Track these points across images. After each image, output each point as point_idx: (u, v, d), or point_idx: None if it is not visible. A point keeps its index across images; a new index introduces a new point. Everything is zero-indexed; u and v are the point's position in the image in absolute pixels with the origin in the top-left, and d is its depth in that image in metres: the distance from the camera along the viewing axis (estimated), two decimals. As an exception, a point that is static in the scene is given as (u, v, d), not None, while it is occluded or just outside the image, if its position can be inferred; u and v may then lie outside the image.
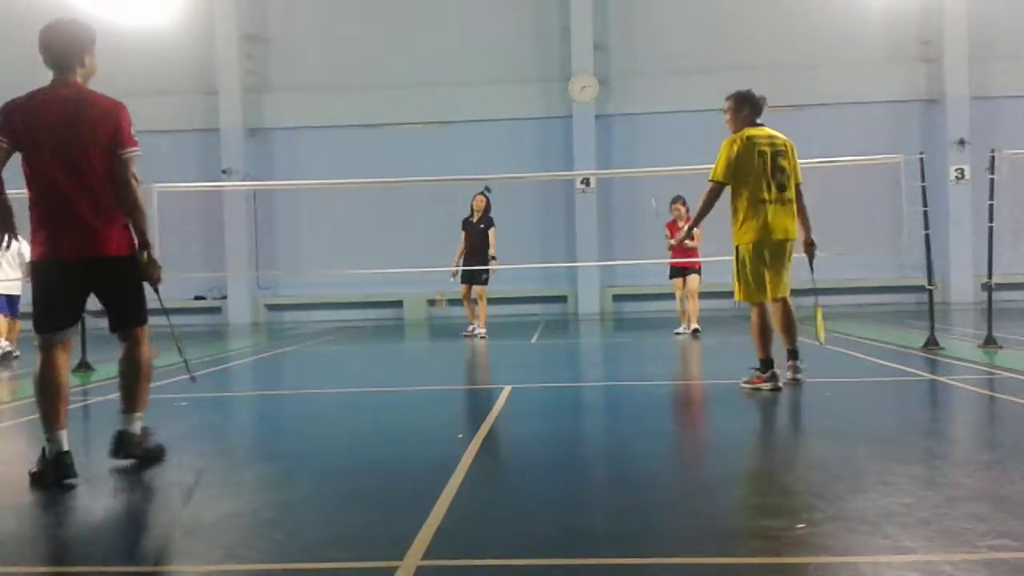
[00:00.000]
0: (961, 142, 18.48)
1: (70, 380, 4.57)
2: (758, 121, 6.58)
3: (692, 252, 11.88)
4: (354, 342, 13.94)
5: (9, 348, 12.03)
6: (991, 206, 9.36)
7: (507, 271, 13.71)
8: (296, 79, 20.12)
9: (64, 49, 4.31)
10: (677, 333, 12.22)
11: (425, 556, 2.97)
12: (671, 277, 12.48)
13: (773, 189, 6.35)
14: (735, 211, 6.47)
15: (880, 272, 18.48)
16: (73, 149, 4.24)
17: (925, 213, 9.55)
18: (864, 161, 11.23)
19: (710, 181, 6.47)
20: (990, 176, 9.41)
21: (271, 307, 20.13)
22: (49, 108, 4.25)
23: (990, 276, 9.41)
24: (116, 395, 4.74)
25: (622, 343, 12.73)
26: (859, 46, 19.12)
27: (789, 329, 6.76)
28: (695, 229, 7.18)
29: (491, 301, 13.76)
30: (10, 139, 4.26)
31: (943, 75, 18.78)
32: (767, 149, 6.39)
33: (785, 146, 6.50)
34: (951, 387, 6.93)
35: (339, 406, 6.88)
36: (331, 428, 5.88)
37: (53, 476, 4.13)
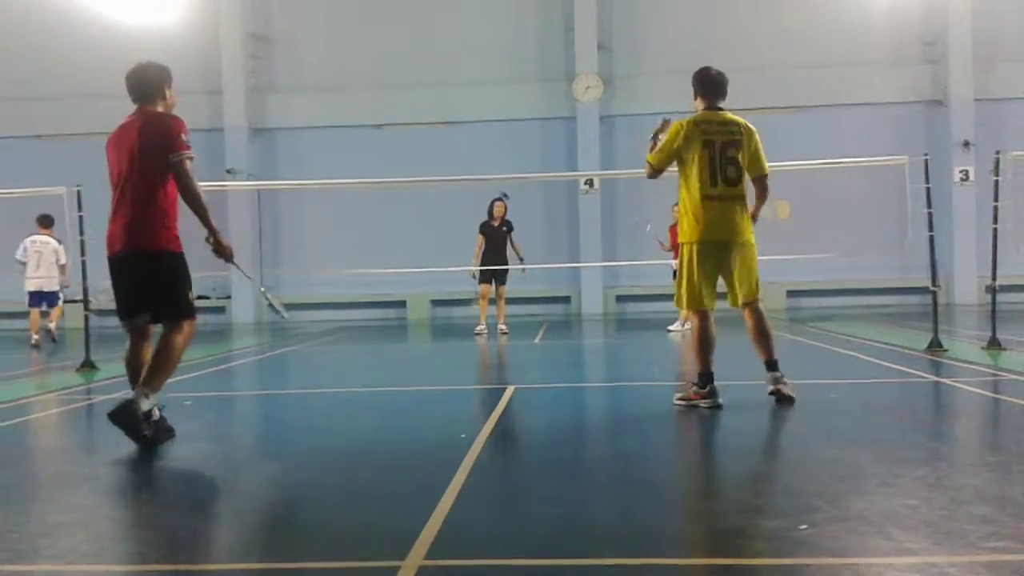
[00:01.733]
0: (965, 144, 18.46)
1: (139, 359, 5.10)
2: (719, 105, 6.01)
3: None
4: (358, 342, 13.95)
5: (37, 337, 13.73)
6: (995, 208, 9.35)
7: (510, 272, 13.75)
8: (300, 79, 20.15)
9: (139, 88, 5.23)
10: (669, 330, 12.82)
11: (428, 556, 2.97)
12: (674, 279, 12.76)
13: (719, 184, 5.73)
14: (680, 204, 5.93)
15: (884, 273, 18.46)
16: (123, 161, 4.99)
17: (929, 215, 9.53)
18: (868, 163, 11.22)
19: (646, 162, 6.02)
20: (994, 178, 9.39)
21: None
22: (120, 130, 5.15)
23: (994, 278, 9.39)
24: (123, 392, 4.82)
25: (624, 344, 12.73)
26: (863, 47, 19.11)
27: (761, 339, 5.98)
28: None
29: (492, 301, 13.79)
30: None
31: (947, 77, 18.76)
32: (717, 139, 5.77)
33: (741, 134, 5.86)
34: (955, 389, 6.92)
35: (342, 405, 6.89)
36: (334, 427, 5.89)
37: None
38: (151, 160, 4.93)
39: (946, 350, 9.00)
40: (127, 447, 4.88)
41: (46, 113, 20.01)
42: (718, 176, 5.76)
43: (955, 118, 18.61)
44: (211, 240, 5.16)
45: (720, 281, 6.04)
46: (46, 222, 13.67)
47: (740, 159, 5.85)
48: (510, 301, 13.55)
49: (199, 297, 20.24)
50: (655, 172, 6.06)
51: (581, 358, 10.94)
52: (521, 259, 13.36)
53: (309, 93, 19.96)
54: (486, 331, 13.24)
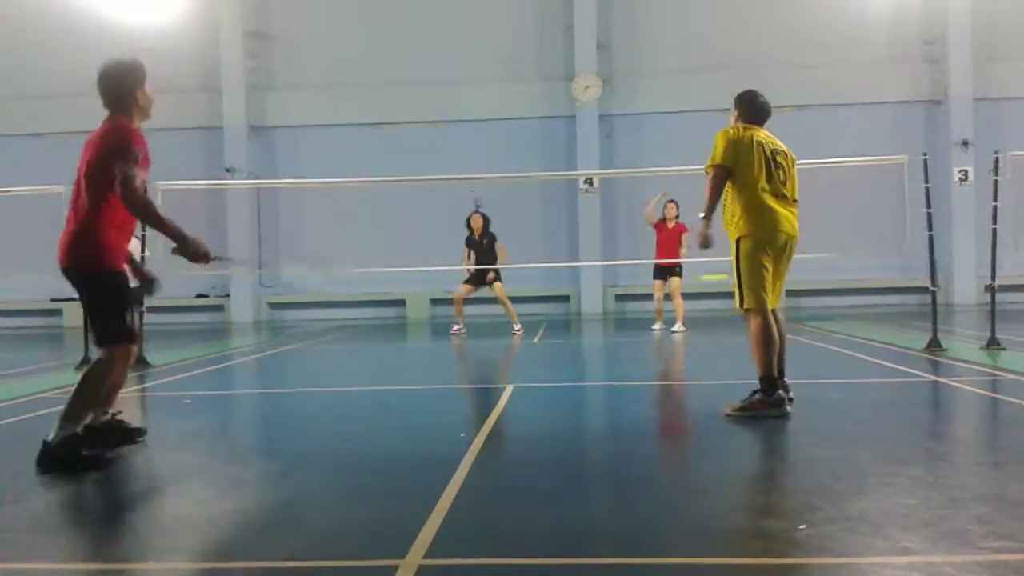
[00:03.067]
0: (964, 143, 18.46)
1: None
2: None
3: (676, 253, 12.66)
4: (356, 340, 13.95)
5: None
6: (995, 208, 9.35)
7: (509, 271, 13.75)
8: (300, 77, 20.14)
9: (103, 95, 4.74)
10: (654, 329, 13.06)
11: (427, 555, 2.98)
12: (655, 278, 13.29)
13: (775, 181, 5.62)
14: (734, 203, 5.67)
15: (883, 273, 18.46)
16: (79, 173, 4.72)
17: (928, 214, 9.54)
18: (867, 162, 11.22)
19: (709, 168, 5.63)
20: (994, 178, 9.40)
21: (274, 305, 20.14)
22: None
23: (993, 278, 9.40)
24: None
25: (624, 343, 12.73)
26: (863, 46, 19.11)
27: (782, 344, 5.78)
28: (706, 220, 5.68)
29: (491, 301, 13.79)
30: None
31: (947, 76, 18.76)
32: (765, 141, 5.68)
33: (786, 153, 5.81)
34: (953, 388, 6.93)
35: (341, 404, 6.88)
36: (334, 426, 5.89)
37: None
38: (96, 174, 4.59)
39: (945, 350, 9.00)
40: (123, 445, 4.88)
41: (45, 111, 20.00)
42: (772, 175, 5.63)
43: (954, 118, 18.61)
44: (178, 250, 4.60)
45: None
46: None
47: (786, 168, 5.75)
48: (511, 300, 13.47)
49: (198, 296, 20.21)
50: (724, 171, 5.59)
51: (580, 357, 10.94)
52: (495, 264, 13.21)
53: (308, 91, 19.95)
54: (464, 330, 13.30)
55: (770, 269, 5.63)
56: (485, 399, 7.19)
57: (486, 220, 13.37)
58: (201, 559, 3.11)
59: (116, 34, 19.62)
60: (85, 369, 4.64)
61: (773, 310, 5.70)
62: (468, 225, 13.47)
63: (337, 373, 9.48)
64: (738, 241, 5.65)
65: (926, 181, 9.56)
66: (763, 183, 5.57)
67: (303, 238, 19.80)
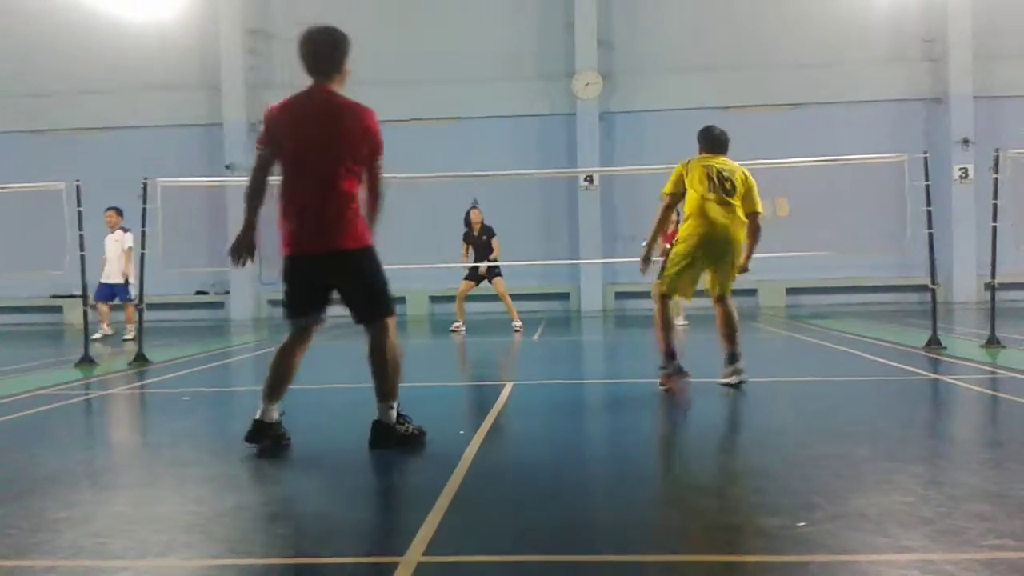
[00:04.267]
0: (965, 141, 18.45)
1: (293, 365, 5.04)
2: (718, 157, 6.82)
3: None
4: (356, 338, 13.92)
5: (109, 332, 13.78)
6: (995, 205, 9.35)
7: (509, 268, 13.75)
8: (299, 74, 19.98)
9: (328, 56, 4.70)
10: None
11: (427, 551, 2.98)
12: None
13: (718, 191, 6.50)
14: (685, 210, 6.66)
15: (883, 271, 18.46)
16: (320, 152, 4.58)
17: (928, 212, 9.54)
18: (867, 160, 11.22)
19: (660, 198, 6.77)
20: (994, 175, 9.39)
21: (273, 302, 20.13)
22: (307, 113, 4.59)
23: (993, 276, 9.40)
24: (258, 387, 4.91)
25: (623, 340, 12.74)
26: (863, 45, 19.09)
27: (728, 330, 6.69)
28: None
29: (491, 298, 13.79)
30: (270, 145, 4.64)
31: (947, 74, 18.74)
32: (714, 167, 6.60)
33: (735, 173, 6.64)
34: (953, 386, 6.93)
35: (341, 401, 6.88)
36: (332, 422, 5.89)
37: (259, 439, 4.71)
38: (353, 158, 4.66)
39: (945, 348, 9.00)
40: (123, 442, 4.88)
41: (46, 108, 20.00)
42: (715, 188, 6.53)
43: (955, 116, 18.60)
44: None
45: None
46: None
47: (736, 185, 6.59)
48: (510, 297, 13.47)
49: (198, 292, 20.18)
50: (671, 198, 6.72)
51: (580, 354, 10.94)
52: (493, 260, 13.19)
53: (308, 89, 19.91)
54: (463, 328, 13.29)
55: (695, 265, 6.58)
56: (484, 396, 7.19)
57: (482, 215, 13.41)
58: (201, 556, 3.11)
59: (117, 32, 19.63)
60: (373, 351, 4.75)
61: (723, 297, 6.69)
62: (467, 221, 13.46)
63: (336, 370, 9.47)
64: (676, 240, 6.71)
65: (926, 179, 9.56)
66: (706, 193, 6.51)
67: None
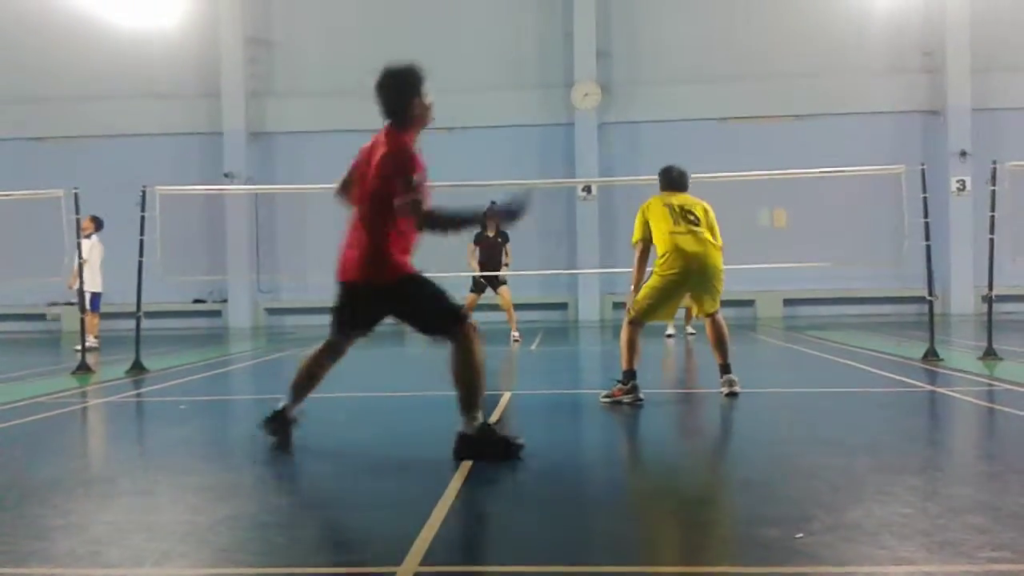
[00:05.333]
0: (963, 153, 18.49)
1: (318, 373, 5.24)
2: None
3: None
4: (354, 347, 13.91)
5: (95, 344, 13.22)
6: (992, 218, 9.37)
7: (508, 277, 13.74)
8: (299, 83, 20.16)
9: (387, 99, 4.84)
10: (668, 335, 13.16)
11: (423, 562, 2.97)
12: None
13: (682, 224, 6.66)
14: (657, 248, 6.78)
15: (881, 283, 18.47)
16: (359, 188, 4.86)
17: (926, 224, 9.56)
18: (865, 171, 11.24)
19: (633, 246, 6.88)
20: (991, 188, 9.42)
21: (271, 311, 20.14)
22: (362, 151, 4.98)
23: (991, 288, 9.42)
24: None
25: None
26: (861, 56, 19.16)
27: (719, 344, 6.83)
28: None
29: (492, 308, 13.78)
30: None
31: (945, 86, 18.80)
32: (675, 202, 6.78)
33: (694, 206, 6.79)
34: (950, 398, 6.93)
35: (337, 410, 6.87)
36: (329, 432, 5.88)
37: (272, 429, 5.05)
38: (381, 193, 4.71)
39: (942, 360, 9.01)
40: (120, 450, 4.87)
41: (46, 115, 20.02)
42: (680, 219, 6.69)
43: (952, 128, 18.65)
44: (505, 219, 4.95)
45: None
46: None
47: (699, 215, 6.74)
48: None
49: (196, 301, 20.13)
50: (642, 243, 6.84)
51: (577, 364, 10.94)
52: (506, 265, 13.23)
53: (308, 98, 19.97)
54: (515, 335, 13.20)
55: (673, 297, 6.75)
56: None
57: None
58: (197, 565, 3.10)
59: (116, 38, 19.68)
60: (452, 362, 4.67)
61: (713, 315, 6.83)
62: (482, 223, 13.33)
63: (333, 379, 9.45)
64: (653, 271, 6.81)
65: (924, 191, 9.58)
66: (672, 227, 6.67)
67: (302, 244, 19.79)
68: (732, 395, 6.69)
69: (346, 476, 4.43)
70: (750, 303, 18.49)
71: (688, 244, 6.59)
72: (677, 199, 6.84)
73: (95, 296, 13.32)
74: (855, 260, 17.68)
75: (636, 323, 6.75)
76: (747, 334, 14.19)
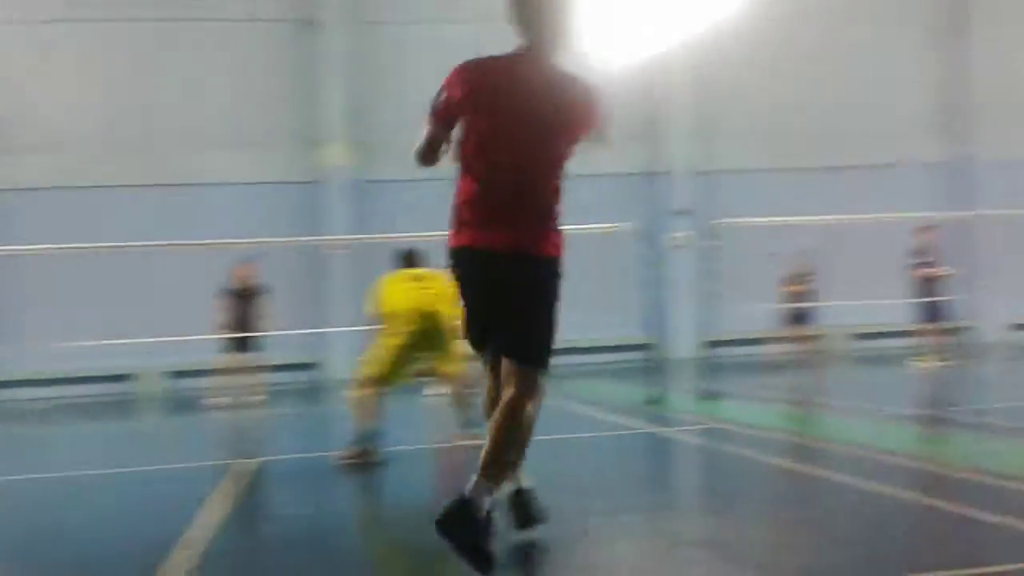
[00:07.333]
0: (682, 212, 20.00)
1: None
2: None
3: None
4: (75, 420, 12.93)
5: None
6: (709, 270, 10.23)
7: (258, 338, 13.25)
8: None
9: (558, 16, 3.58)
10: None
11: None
12: None
13: (413, 281, 7.05)
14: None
15: (604, 331, 19.19)
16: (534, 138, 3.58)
17: (649, 277, 10.26)
18: (590, 230, 12.00)
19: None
20: (708, 243, 10.30)
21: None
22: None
23: (710, 335, 10.19)
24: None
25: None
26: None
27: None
28: None
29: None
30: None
31: (669, 150, 20.37)
32: (409, 273, 7.20)
33: (425, 279, 7.07)
34: (671, 439, 7.39)
35: (46, 493, 6.25)
36: (35, 517, 5.34)
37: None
38: (572, 143, 3.67)
39: (664, 402, 9.43)
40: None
41: None
42: (411, 280, 7.01)
43: (675, 188, 20.16)
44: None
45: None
46: None
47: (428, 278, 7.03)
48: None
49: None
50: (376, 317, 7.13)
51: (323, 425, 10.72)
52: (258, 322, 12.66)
53: (37, 153, 18.43)
54: (229, 402, 12.61)
55: (397, 349, 6.77)
56: (209, 479, 6.76)
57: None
58: None
59: None
60: (507, 411, 3.36)
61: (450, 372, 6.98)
62: (231, 277, 12.75)
63: (39, 458, 8.65)
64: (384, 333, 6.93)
65: (647, 247, 10.32)
66: (403, 284, 7.02)
67: (22, 309, 18.03)
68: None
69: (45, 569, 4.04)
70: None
71: (417, 301, 6.83)
72: (411, 272, 7.23)
73: None
74: (579, 309, 18.13)
75: (380, 384, 6.83)
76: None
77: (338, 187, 19.07)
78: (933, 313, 13.54)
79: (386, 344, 6.83)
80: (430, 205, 18.03)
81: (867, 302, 15.43)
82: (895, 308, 15.02)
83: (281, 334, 13.48)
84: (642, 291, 10.43)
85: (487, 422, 3.53)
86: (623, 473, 5.88)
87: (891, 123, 20.97)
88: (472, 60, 3.63)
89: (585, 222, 13.37)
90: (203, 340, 13.14)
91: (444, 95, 3.65)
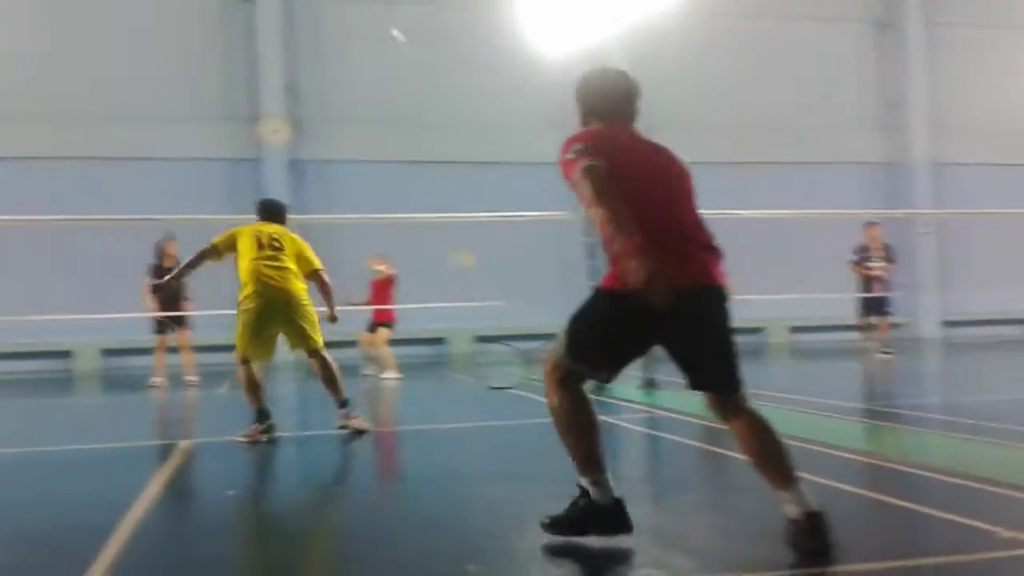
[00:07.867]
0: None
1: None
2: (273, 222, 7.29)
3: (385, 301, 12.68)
4: (11, 397, 12.55)
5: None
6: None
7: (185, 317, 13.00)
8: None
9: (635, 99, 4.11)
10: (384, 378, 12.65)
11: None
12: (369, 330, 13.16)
13: (265, 250, 6.84)
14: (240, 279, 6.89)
15: (546, 319, 19.24)
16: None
17: (591, 267, 10.32)
18: (533, 217, 11.98)
19: (210, 247, 7.07)
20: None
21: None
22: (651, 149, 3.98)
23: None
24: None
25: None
26: (525, 112, 20.24)
27: (330, 383, 6.95)
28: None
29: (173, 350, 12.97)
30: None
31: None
32: (266, 230, 7.04)
33: (283, 236, 7.04)
34: (614, 426, 7.45)
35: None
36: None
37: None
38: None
39: (609, 389, 9.60)
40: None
41: None
42: (264, 248, 6.83)
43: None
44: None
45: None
46: None
47: (284, 244, 6.96)
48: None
49: None
50: (214, 249, 7.07)
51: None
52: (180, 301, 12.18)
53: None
54: (164, 383, 12.33)
55: (265, 329, 6.74)
56: (152, 458, 6.70)
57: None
58: None
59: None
60: (750, 442, 3.59)
61: (315, 351, 6.86)
62: (159, 253, 12.43)
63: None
64: (240, 302, 6.83)
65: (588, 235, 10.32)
66: (255, 255, 6.79)
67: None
68: (357, 432, 6.77)
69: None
70: (440, 340, 18.67)
71: (268, 273, 6.71)
72: (269, 228, 7.05)
73: None
74: (514, 297, 17.95)
75: (245, 362, 6.76)
76: (438, 371, 14.51)
77: (276, 164, 18.75)
78: (875, 308, 13.85)
79: (239, 320, 6.76)
80: (367, 186, 18.00)
81: (807, 296, 15.72)
82: (835, 303, 15.33)
83: (208, 314, 13.15)
84: (584, 278, 10.46)
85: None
86: (563, 461, 5.86)
87: (831, 120, 21.37)
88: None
89: (527, 210, 13.45)
90: (137, 318, 12.88)
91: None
